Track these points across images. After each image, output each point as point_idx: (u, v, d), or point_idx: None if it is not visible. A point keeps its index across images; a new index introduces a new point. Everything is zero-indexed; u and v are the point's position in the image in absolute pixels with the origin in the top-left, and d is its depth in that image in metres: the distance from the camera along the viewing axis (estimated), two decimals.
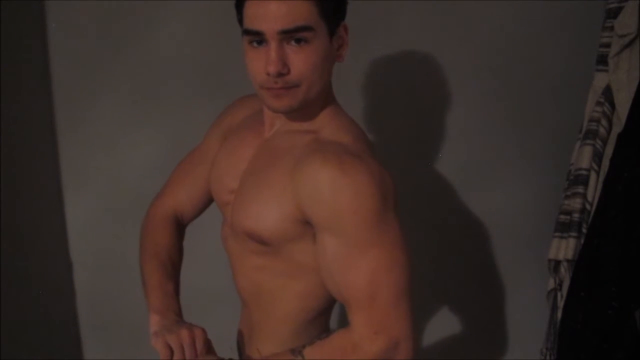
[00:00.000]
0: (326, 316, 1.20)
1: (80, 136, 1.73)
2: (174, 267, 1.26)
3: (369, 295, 1.00)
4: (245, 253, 1.16)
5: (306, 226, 1.05)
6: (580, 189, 1.68)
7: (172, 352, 1.03)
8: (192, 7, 1.68)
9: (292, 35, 1.00)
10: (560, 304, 1.72)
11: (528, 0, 1.79)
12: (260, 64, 1.03)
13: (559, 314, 1.69)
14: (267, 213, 1.08)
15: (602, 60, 1.66)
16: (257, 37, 1.02)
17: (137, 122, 1.74)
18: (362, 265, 1.00)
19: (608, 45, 1.64)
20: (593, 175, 1.67)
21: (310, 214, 1.03)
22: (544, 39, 1.83)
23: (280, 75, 1.02)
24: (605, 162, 1.63)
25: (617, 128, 1.62)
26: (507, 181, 1.91)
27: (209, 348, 1.07)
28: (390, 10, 1.72)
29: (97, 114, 1.72)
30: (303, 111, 1.10)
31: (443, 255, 1.92)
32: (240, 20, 1.06)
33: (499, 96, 1.86)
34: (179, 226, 1.34)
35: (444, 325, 1.98)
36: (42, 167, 1.74)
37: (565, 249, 1.70)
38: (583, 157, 1.68)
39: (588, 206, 1.67)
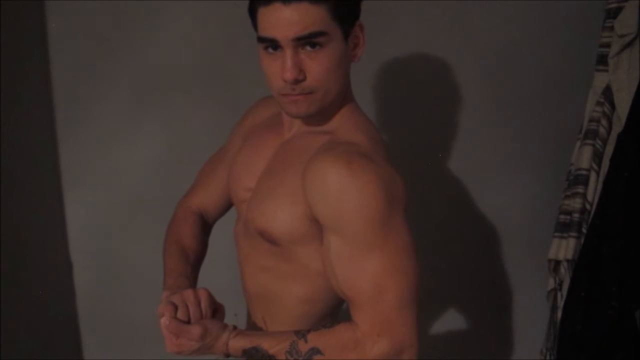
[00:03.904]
0: (333, 317, 1.20)
1: (80, 136, 1.73)
2: (195, 256, 1.28)
3: (372, 298, 1.00)
4: (254, 252, 1.17)
5: (316, 226, 1.05)
6: (580, 189, 1.68)
7: (176, 309, 1.03)
8: (193, 8, 1.68)
9: (307, 41, 1.00)
10: (560, 304, 1.72)
11: (528, 0, 1.79)
12: (276, 70, 1.03)
13: (559, 314, 1.69)
14: (280, 212, 1.08)
15: (602, 60, 1.66)
16: (272, 44, 1.02)
17: (137, 122, 1.74)
18: (364, 266, 1.00)
19: (608, 45, 1.64)
20: (593, 175, 1.67)
21: (316, 212, 1.03)
22: (544, 39, 1.83)
23: (296, 82, 1.02)
24: (605, 162, 1.63)
25: (617, 128, 1.62)
26: (507, 181, 1.91)
27: (216, 311, 1.07)
28: (392, 11, 1.72)
29: (97, 114, 1.72)
30: (321, 114, 1.10)
31: (443, 255, 1.91)
32: (255, 26, 1.06)
33: (498, 96, 1.86)
34: (203, 221, 1.36)
35: (443, 325, 1.98)
36: (42, 167, 1.74)
37: (565, 249, 1.70)
38: (583, 157, 1.68)
39: (588, 206, 1.67)
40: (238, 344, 1.04)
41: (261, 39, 1.03)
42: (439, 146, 1.88)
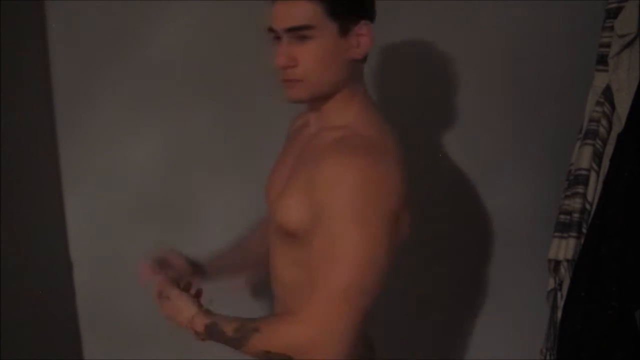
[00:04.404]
0: None
1: (80, 136, 1.73)
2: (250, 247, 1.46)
3: (323, 279, 1.05)
4: (281, 246, 1.23)
5: None
6: (580, 189, 1.68)
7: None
8: (193, 8, 1.68)
9: (296, 33, 1.12)
10: (560, 304, 1.72)
11: (528, 0, 1.79)
12: (275, 57, 1.15)
13: (559, 314, 1.69)
14: (292, 205, 1.15)
15: (602, 60, 1.66)
16: (273, 34, 1.15)
17: (137, 122, 1.74)
18: (327, 245, 1.06)
19: (608, 45, 1.64)
20: (593, 175, 1.67)
21: (313, 201, 1.10)
22: (544, 39, 1.83)
23: (287, 67, 1.13)
24: (605, 162, 1.63)
25: (617, 128, 1.62)
26: (507, 181, 1.91)
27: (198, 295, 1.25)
28: (393, 10, 1.72)
29: (97, 114, 1.72)
30: (330, 107, 1.19)
31: (443, 254, 1.92)
32: None
33: (498, 96, 1.86)
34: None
35: (443, 325, 1.98)
36: (42, 167, 1.74)
37: (565, 249, 1.70)
38: (583, 157, 1.68)
39: (588, 206, 1.67)
40: (202, 320, 1.16)
41: (267, 29, 1.16)
42: (438, 146, 1.88)
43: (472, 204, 1.92)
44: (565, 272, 1.71)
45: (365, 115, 1.19)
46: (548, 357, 1.76)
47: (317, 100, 1.19)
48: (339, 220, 1.05)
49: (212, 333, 1.15)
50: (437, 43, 1.79)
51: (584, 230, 1.66)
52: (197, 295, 1.25)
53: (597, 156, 1.67)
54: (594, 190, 1.67)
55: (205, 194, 1.78)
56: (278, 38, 1.15)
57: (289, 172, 1.23)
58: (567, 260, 1.70)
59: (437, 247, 1.90)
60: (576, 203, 1.69)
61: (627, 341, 1.47)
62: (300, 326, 1.07)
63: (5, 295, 1.58)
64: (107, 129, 1.73)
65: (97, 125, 1.73)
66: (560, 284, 1.73)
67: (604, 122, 1.66)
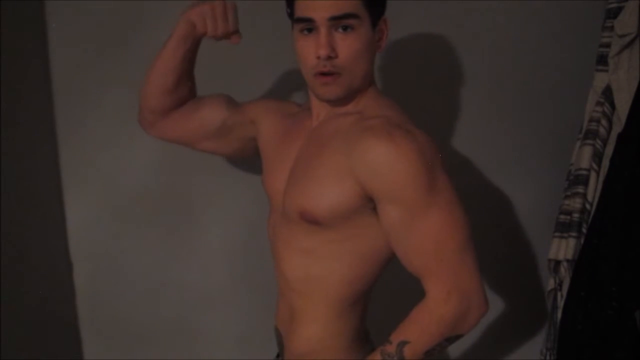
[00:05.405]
0: (367, 297, 1.27)
1: (80, 136, 1.73)
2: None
3: (436, 256, 1.08)
4: (295, 237, 1.23)
5: (362, 202, 1.13)
6: (580, 189, 1.68)
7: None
8: None
9: (340, 22, 1.12)
10: (560, 304, 1.72)
11: (528, 0, 1.79)
12: (310, 50, 1.14)
13: (559, 314, 1.69)
14: (324, 191, 1.15)
15: (602, 60, 1.66)
16: (308, 25, 1.13)
17: (137, 122, 1.74)
18: (425, 227, 1.09)
19: (608, 45, 1.64)
20: (593, 175, 1.67)
21: (370, 188, 1.11)
22: (544, 39, 1.83)
23: (329, 58, 1.12)
24: (605, 162, 1.63)
25: (617, 128, 1.62)
26: (507, 181, 1.91)
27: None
28: (393, 10, 1.72)
29: (97, 114, 1.72)
30: (348, 98, 1.20)
31: None
32: (290, 14, 1.18)
33: (498, 96, 1.86)
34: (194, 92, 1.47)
35: None
36: (42, 167, 1.74)
37: (565, 249, 1.70)
38: (583, 157, 1.68)
39: (588, 206, 1.67)
40: None
41: (299, 20, 1.14)
42: (438, 146, 1.88)
43: (472, 204, 1.92)
44: (565, 272, 1.71)
45: (379, 102, 1.22)
46: (548, 357, 1.76)
47: (345, 97, 1.20)
48: (418, 198, 1.09)
49: None
50: (436, 43, 1.79)
51: (584, 230, 1.66)
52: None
53: (597, 156, 1.67)
54: (594, 190, 1.67)
55: (205, 194, 1.78)
56: (310, 30, 1.13)
57: (301, 159, 1.23)
58: (567, 260, 1.70)
59: None
60: (576, 203, 1.69)
61: (627, 341, 1.46)
62: (445, 304, 1.09)
63: (5, 295, 1.58)
64: (107, 129, 1.73)
65: (97, 125, 1.73)
66: (560, 284, 1.73)
67: (604, 122, 1.66)
